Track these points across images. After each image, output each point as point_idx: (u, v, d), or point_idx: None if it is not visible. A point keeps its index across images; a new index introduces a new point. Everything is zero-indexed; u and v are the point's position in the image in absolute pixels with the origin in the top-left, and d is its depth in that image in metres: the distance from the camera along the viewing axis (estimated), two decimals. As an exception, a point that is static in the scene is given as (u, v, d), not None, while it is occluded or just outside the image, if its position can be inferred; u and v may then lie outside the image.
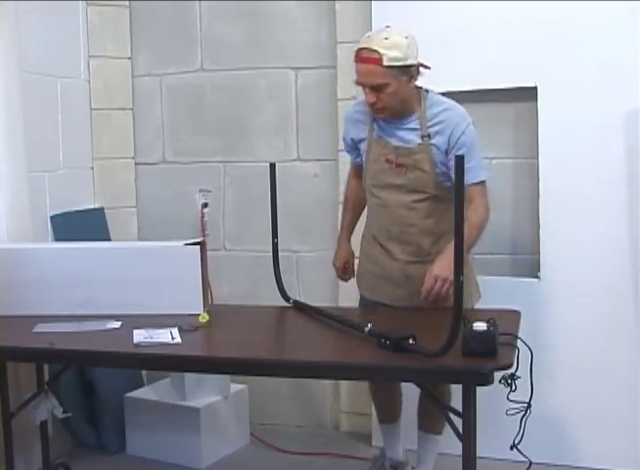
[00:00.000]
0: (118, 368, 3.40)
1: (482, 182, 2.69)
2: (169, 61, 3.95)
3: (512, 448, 2.36)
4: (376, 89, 2.60)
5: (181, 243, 2.88)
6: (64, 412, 3.08)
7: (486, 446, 2.65)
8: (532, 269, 3.39)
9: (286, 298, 3.04)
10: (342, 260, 3.02)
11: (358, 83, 2.64)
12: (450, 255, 2.57)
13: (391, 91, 2.60)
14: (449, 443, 2.42)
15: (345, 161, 3.24)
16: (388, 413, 3.11)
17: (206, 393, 3.53)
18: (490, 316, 2.24)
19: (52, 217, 3.56)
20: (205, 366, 2.56)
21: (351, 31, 3.54)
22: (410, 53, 2.58)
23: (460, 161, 2.02)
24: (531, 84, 3.28)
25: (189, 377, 3.48)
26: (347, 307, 3.04)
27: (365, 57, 2.57)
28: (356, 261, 3.05)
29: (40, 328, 2.66)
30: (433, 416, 2.90)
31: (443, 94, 3.30)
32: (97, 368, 3.51)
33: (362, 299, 3.01)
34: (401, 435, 3.14)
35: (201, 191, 3.67)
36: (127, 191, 4.00)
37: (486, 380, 2.07)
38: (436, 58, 3.32)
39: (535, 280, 3.34)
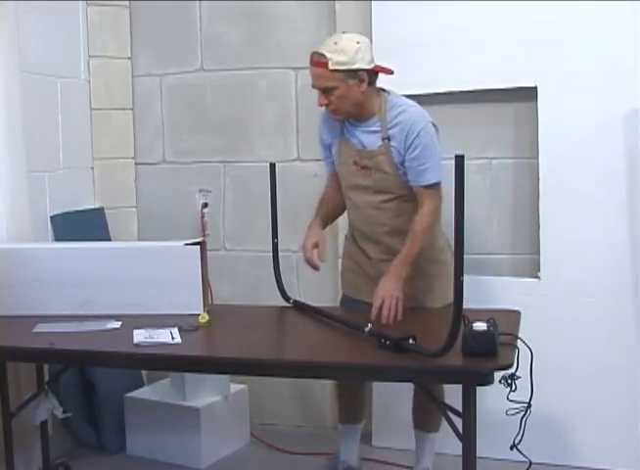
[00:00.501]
0: (118, 368, 3.40)
1: (436, 184, 2.73)
2: (169, 61, 3.94)
3: (512, 448, 2.36)
4: (325, 92, 2.69)
5: (181, 243, 2.88)
6: (64, 412, 3.08)
7: (486, 447, 2.65)
8: (532, 269, 3.39)
9: (286, 298, 3.04)
10: (311, 240, 2.88)
11: (312, 86, 2.73)
12: (395, 274, 2.66)
13: (340, 94, 2.67)
14: (449, 443, 2.42)
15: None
16: (352, 413, 3.14)
17: (206, 393, 3.53)
18: (490, 316, 2.25)
19: (52, 217, 3.56)
20: (205, 366, 2.56)
21: (351, 31, 3.53)
22: (359, 58, 2.65)
23: (460, 160, 2.01)
24: (531, 84, 3.27)
25: (189, 377, 3.48)
26: (347, 307, 3.03)
27: (315, 60, 2.68)
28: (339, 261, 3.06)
29: (40, 328, 2.67)
30: (428, 414, 2.93)
31: (444, 94, 3.33)
32: (97, 368, 3.51)
33: (343, 297, 3.04)
34: (359, 440, 3.17)
35: (201, 191, 3.67)
36: (127, 191, 4.00)
37: (486, 380, 2.07)
38: (436, 58, 3.34)
39: (535, 280, 3.34)
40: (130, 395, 3.64)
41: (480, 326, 2.17)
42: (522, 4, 3.25)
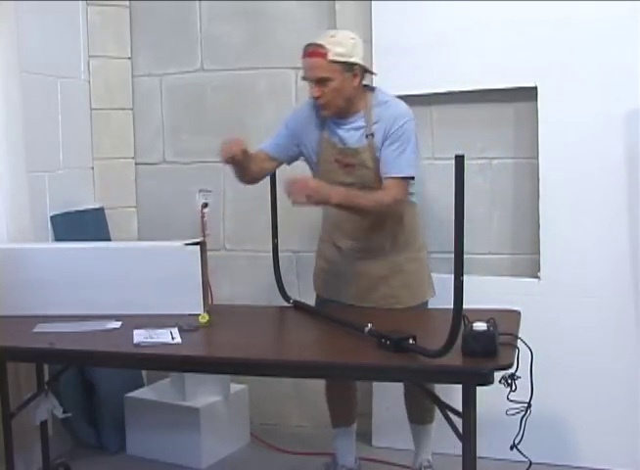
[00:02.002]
0: (118, 368, 3.40)
1: (405, 179, 2.73)
2: (169, 61, 3.94)
3: (512, 448, 2.36)
4: (320, 83, 2.67)
5: (181, 243, 2.88)
6: (64, 412, 3.08)
7: (486, 446, 2.65)
8: (532, 269, 3.39)
9: (286, 298, 3.04)
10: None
11: (304, 78, 2.72)
12: (329, 187, 2.60)
13: (335, 86, 2.67)
14: (449, 443, 2.42)
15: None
16: (344, 416, 3.15)
17: (206, 393, 3.53)
18: (490, 316, 2.24)
19: (52, 217, 3.56)
20: (205, 366, 2.56)
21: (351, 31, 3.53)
22: (355, 52, 2.67)
23: (460, 160, 2.01)
24: (531, 84, 3.27)
25: (189, 377, 3.48)
26: (347, 308, 3.03)
27: (311, 51, 2.67)
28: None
29: (40, 328, 2.67)
30: (421, 407, 2.95)
31: (444, 94, 3.32)
32: (97, 368, 3.51)
33: (317, 298, 3.04)
34: (354, 441, 3.17)
35: (201, 191, 3.65)
36: (127, 191, 4.00)
37: (486, 380, 2.07)
38: (437, 58, 3.34)
39: (535, 280, 3.34)
40: (130, 395, 3.64)
41: (480, 326, 2.16)
42: (522, 4, 3.25)
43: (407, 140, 2.71)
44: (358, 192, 2.68)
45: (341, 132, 2.78)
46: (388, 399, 3.43)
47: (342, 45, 2.64)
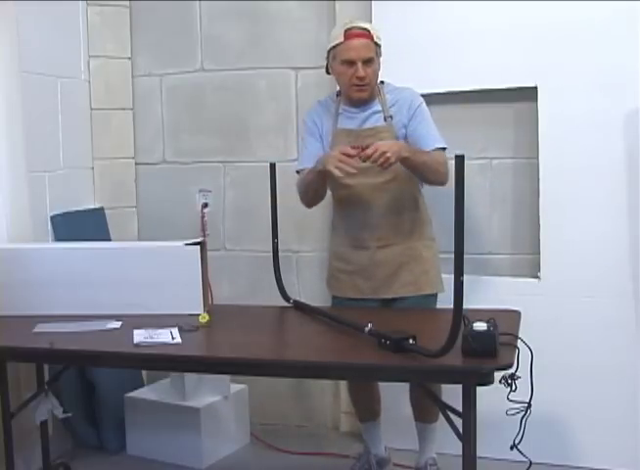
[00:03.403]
0: (118, 368, 3.40)
1: (444, 149, 2.84)
2: (169, 61, 3.95)
3: (512, 448, 2.35)
4: (366, 63, 2.78)
5: (181, 243, 2.88)
6: (64, 412, 3.08)
7: (486, 446, 2.65)
8: (532, 269, 3.39)
9: (286, 298, 3.04)
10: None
11: (348, 61, 2.78)
12: (400, 143, 2.72)
13: (375, 68, 2.82)
14: (449, 443, 2.42)
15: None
16: (369, 412, 3.18)
17: (206, 393, 3.54)
18: (490, 316, 2.24)
19: (52, 217, 3.57)
20: (205, 366, 2.56)
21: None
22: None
23: (460, 160, 2.01)
24: (531, 84, 3.27)
25: (189, 377, 3.48)
26: (347, 308, 3.03)
27: (358, 33, 2.79)
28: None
29: (40, 328, 2.67)
30: (426, 406, 2.97)
31: (444, 94, 3.33)
32: (97, 368, 3.51)
33: (334, 299, 3.06)
34: (382, 432, 3.21)
35: (201, 191, 3.67)
36: (127, 191, 4.00)
37: (486, 380, 2.07)
38: (436, 58, 3.34)
39: (535, 280, 3.35)
40: (130, 395, 3.64)
41: (480, 326, 2.16)
42: (522, 4, 3.25)
43: (429, 118, 2.87)
44: (422, 149, 2.77)
45: (356, 118, 2.87)
46: (388, 399, 3.42)
47: (376, 30, 2.81)
